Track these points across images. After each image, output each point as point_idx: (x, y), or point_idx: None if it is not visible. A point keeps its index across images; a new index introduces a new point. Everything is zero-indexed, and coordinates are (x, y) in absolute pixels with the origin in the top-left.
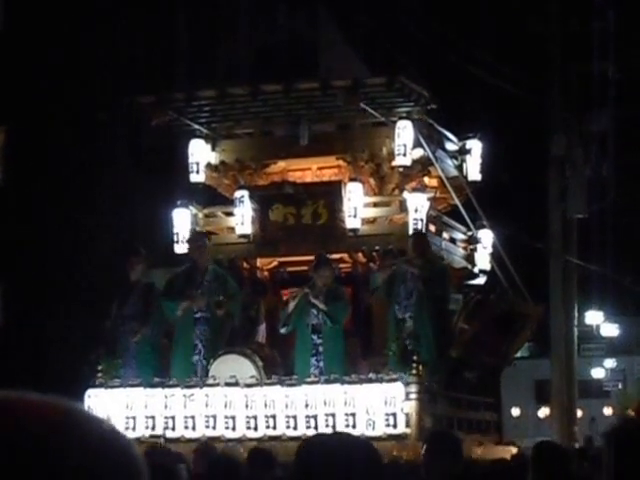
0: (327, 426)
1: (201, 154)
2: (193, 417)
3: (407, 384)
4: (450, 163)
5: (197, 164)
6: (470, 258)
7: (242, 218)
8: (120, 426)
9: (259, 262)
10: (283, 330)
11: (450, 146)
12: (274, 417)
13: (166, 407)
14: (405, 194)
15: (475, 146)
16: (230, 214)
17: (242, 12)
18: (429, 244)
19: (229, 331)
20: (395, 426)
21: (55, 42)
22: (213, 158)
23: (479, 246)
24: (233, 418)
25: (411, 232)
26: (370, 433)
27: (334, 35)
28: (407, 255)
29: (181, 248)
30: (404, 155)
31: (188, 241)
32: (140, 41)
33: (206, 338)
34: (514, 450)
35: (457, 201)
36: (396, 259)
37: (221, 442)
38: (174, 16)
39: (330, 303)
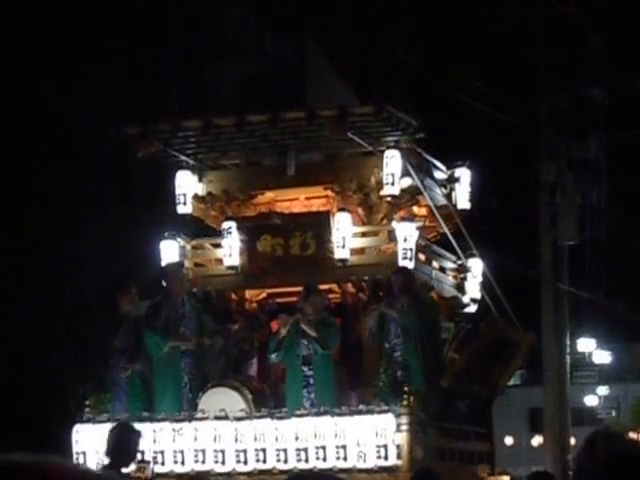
0: (318, 459)
1: (188, 185)
2: (182, 451)
3: (398, 415)
4: (439, 192)
5: (184, 195)
6: (460, 287)
7: (230, 249)
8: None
9: (248, 294)
10: (273, 356)
11: (439, 175)
12: (264, 450)
13: (155, 441)
14: (394, 224)
15: (464, 174)
16: (218, 246)
17: (229, 40)
18: (413, 279)
19: (214, 363)
20: (386, 458)
21: (41, 71)
22: (200, 189)
23: (469, 275)
24: (222, 452)
25: (395, 269)
26: (361, 465)
27: (321, 62)
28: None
29: None
30: (392, 184)
31: (164, 272)
32: (126, 70)
33: (192, 371)
34: None
35: (446, 230)
36: (383, 298)
37: (211, 476)
38: (160, 45)
39: (320, 330)
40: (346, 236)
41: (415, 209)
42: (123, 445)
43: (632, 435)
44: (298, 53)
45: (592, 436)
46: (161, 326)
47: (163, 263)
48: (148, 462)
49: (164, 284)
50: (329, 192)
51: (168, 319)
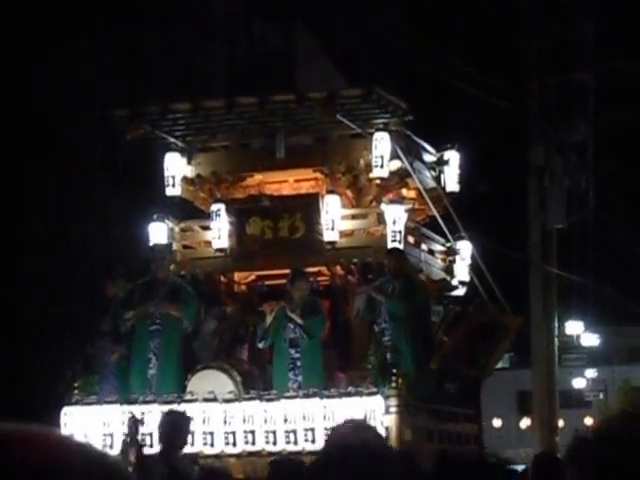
0: (306, 441)
1: (177, 167)
2: None
3: (387, 397)
4: (428, 174)
5: (173, 178)
6: (449, 270)
7: (219, 232)
8: (97, 444)
9: (236, 276)
10: (261, 345)
11: (428, 157)
12: (253, 432)
13: (143, 423)
14: (383, 206)
15: (453, 157)
16: (207, 228)
17: (217, 24)
18: (406, 260)
19: (207, 345)
20: None
21: (28, 56)
22: (189, 171)
23: (458, 257)
24: (211, 434)
25: (388, 249)
26: None
27: (311, 48)
28: (386, 268)
29: None
30: (381, 167)
31: (151, 254)
32: (114, 54)
33: (160, 351)
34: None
35: (435, 212)
36: (373, 280)
37: (199, 458)
38: (148, 29)
39: (307, 317)
40: (335, 218)
41: (404, 192)
42: (176, 431)
43: None
44: (288, 38)
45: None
46: (133, 304)
47: (151, 244)
48: (136, 442)
49: (149, 266)
50: (318, 174)
51: (141, 300)
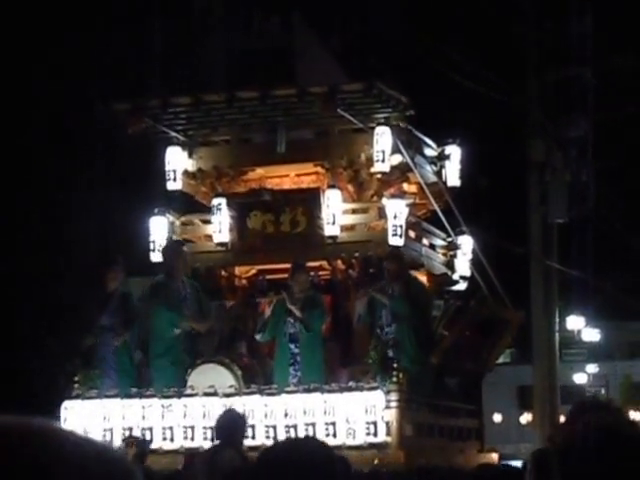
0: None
1: (178, 161)
2: (171, 428)
3: (387, 392)
4: (429, 169)
5: (174, 171)
6: (450, 264)
7: (220, 226)
8: (97, 438)
9: (237, 270)
10: (259, 336)
11: (429, 152)
12: (253, 427)
13: (143, 418)
14: (384, 200)
15: (454, 152)
16: (207, 222)
17: (216, 19)
18: (405, 265)
19: (207, 340)
20: (376, 435)
21: (28, 48)
22: (190, 165)
23: (459, 252)
24: (212, 428)
25: (387, 253)
26: (350, 442)
27: (310, 42)
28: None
29: (157, 256)
30: (383, 161)
31: (164, 250)
32: (114, 48)
33: (190, 353)
34: (495, 457)
35: (436, 207)
36: (374, 274)
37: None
38: (147, 23)
39: (307, 311)
40: (336, 213)
41: (405, 186)
42: (233, 426)
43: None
44: (287, 32)
45: (577, 407)
46: (170, 305)
47: (151, 239)
48: (136, 438)
49: (165, 263)
50: (319, 169)
51: (171, 299)
